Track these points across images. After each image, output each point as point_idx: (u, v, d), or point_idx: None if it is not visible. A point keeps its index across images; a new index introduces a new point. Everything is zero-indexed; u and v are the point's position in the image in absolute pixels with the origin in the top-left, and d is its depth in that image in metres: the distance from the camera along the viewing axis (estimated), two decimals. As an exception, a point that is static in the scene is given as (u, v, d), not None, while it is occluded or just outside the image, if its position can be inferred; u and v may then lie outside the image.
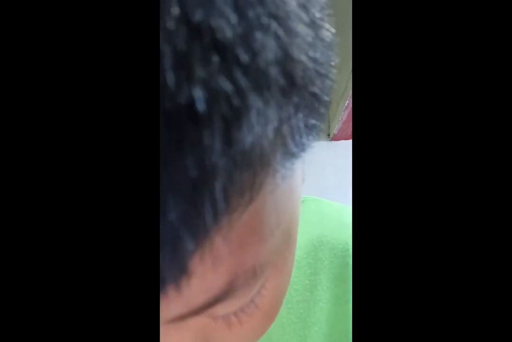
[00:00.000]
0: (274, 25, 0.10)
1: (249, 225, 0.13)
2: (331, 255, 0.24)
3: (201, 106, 0.09)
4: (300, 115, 0.13)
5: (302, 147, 0.15)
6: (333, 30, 0.15)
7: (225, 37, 0.09)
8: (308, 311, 0.23)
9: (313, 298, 0.23)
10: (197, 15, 0.09)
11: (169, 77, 0.10)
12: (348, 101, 1.54)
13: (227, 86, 0.09)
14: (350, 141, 2.10)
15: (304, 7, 0.12)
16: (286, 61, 0.11)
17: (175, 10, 0.09)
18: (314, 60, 0.13)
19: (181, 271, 0.12)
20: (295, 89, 0.12)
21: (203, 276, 0.13)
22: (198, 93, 0.09)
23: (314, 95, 0.14)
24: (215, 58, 0.09)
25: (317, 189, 2.18)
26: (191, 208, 0.11)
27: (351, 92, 1.46)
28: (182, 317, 0.14)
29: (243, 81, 0.10)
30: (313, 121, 0.15)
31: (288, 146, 0.13)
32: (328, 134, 2.20)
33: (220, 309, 0.15)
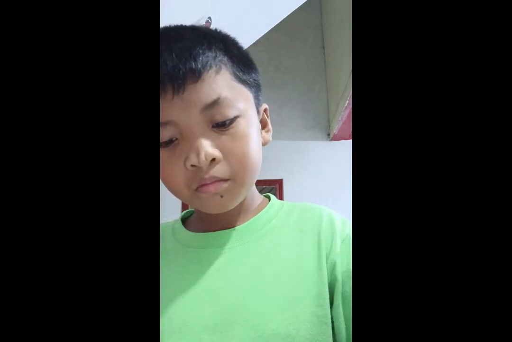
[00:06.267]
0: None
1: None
2: (313, 217, 0.36)
3: None
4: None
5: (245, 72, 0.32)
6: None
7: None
8: (301, 254, 0.33)
9: (301, 249, 0.33)
10: None
11: None
12: (348, 101, 1.54)
13: None
14: (350, 141, 2.11)
15: None
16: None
17: None
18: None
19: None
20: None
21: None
22: None
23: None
24: None
25: (317, 189, 2.20)
26: None
27: (351, 92, 1.46)
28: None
29: None
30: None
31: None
32: (328, 134, 2.20)
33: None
